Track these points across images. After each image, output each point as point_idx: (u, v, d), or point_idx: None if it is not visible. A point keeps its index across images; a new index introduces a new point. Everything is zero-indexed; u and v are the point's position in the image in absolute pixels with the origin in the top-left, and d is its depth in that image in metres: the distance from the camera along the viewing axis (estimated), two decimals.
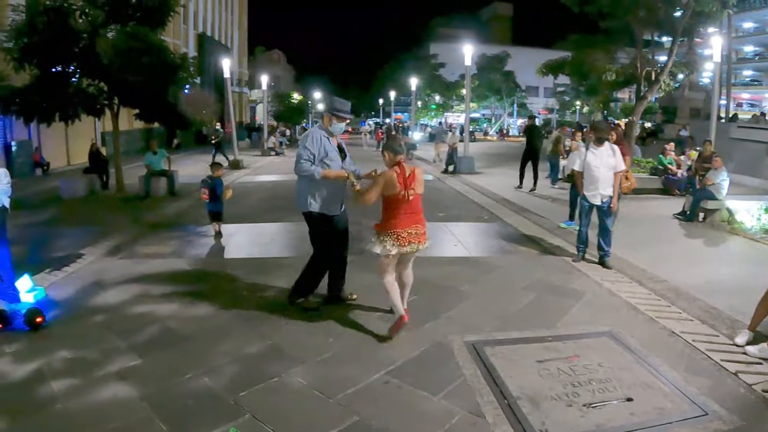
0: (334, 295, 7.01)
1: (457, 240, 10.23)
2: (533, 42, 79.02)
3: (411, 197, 6.03)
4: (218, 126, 27.67)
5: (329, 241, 6.69)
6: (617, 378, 4.93)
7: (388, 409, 4.50)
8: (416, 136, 37.54)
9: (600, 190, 8.49)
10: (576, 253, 8.97)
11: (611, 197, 8.53)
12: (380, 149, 32.73)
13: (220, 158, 25.07)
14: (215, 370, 5.21)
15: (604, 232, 8.57)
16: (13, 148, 21.55)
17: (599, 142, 8.56)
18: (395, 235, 5.92)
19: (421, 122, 56.53)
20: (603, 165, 8.45)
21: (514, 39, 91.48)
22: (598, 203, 8.54)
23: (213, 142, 27.72)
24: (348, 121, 6.88)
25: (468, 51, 22.45)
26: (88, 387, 4.98)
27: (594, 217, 8.74)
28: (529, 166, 17.37)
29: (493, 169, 21.81)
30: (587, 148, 8.68)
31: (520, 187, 17.42)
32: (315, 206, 6.46)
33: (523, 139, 19.23)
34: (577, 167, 8.82)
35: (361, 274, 7.78)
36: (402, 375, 5.02)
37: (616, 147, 8.67)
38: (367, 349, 5.61)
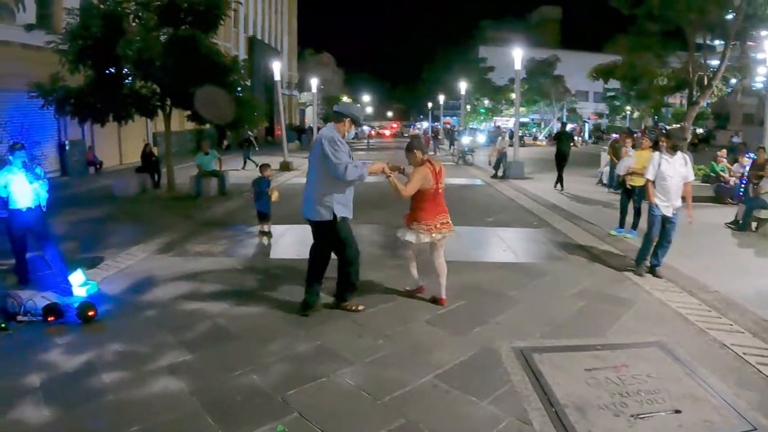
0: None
1: (506, 245, 10.12)
2: (582, 45, 77.92)
3: (441, 190, 6.78)
4: (249, 132, 27.60)
5: (352, 241, 6.63)
6: (666, 389, 4.80)
7: (435, 413, 4.45)
8: (465, 140, 37.17)
9: (672, 200, 8.14)
10: (637, 265, 8.47)
11: (681, 208, 8.16)
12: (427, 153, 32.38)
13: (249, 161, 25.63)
14: (264, 368, 5.24)
15: (665, 244, 8.23)
16: (67, 147, 22.12)
17: (673, 150, 8.25)
18: (427, 225, 6.66)
19: (470, 126, 56.10)
20: (676, 175, 8.13)
21: (562, 42, 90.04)
22: (669, 214, 8.16)
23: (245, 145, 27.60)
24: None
25: (518, 55, 22.26)
26: (138, 380, 5.07)
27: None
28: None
29: (542, 174, 21.52)
30: (660, 157, 8.28)
31: (556, 188, 18.17)
32: (343, 211, 6.37)
33: (572, 144, 19.40)
34: (650, 176, 8.33)
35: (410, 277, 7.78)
36: (450, 379, 4.97)
37: (688, 156, 8.36)
38: (415, 352, 5.57)
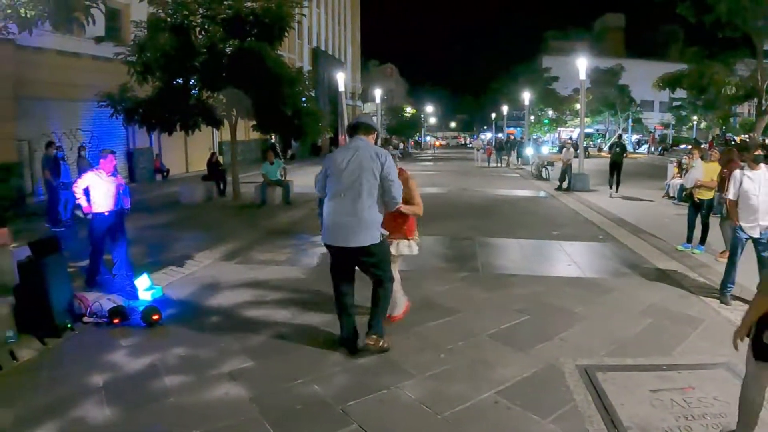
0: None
1: (571, 260, 9.88)
2: (647, 54, 76.08)
3: None
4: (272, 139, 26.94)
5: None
6: (733, 413, 4.49)
7: (495, 430, 4.34)
8: (528, 151, 36.70)
9: (760, 220, 7.36)
10: (721, 293, 7.60)
11: None
12: (490, 164, 32.03)
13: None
14: (325, 378, 5.21)
15: (760, 265, 7.39)
16: (135, 155, 22.81)
17: (755, 162, 7.43)
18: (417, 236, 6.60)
19: (534, 137, 55.33)
20: (763, 191, 7.28)
21: (626, 51, 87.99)
22: (757, 235, 7.42)
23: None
24: None
25: (582, 64, 21.85)
26: (199, 384, 5.12)
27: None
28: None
29: (607, 187, 21.05)
30: (742, 174, 7.49)
31: (611, 192, 19.20)
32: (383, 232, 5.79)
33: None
34: (731, 196, 7.55)
35: (474, 290, 7.80)
36: (512, 396, 4.83)
37: None
38: (478, 367, 5.44)
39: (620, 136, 24.84)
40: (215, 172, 19.51)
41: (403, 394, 4.89)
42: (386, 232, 5.80)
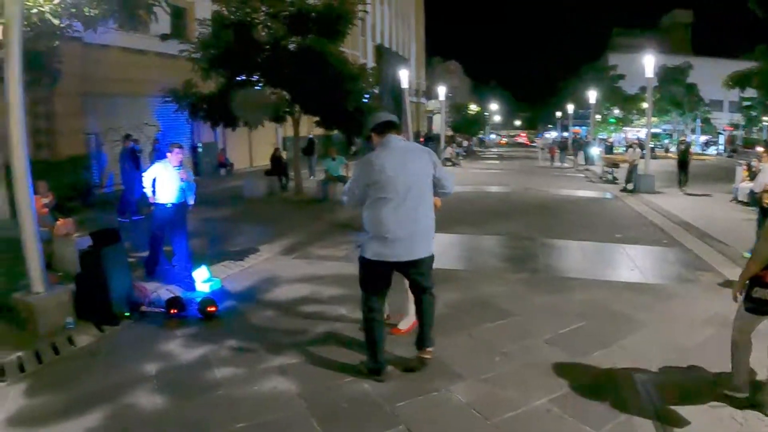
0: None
1: (634, 264, 9.55)
2: (715, 51, 73.09)
3: None
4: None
5: None
6: None
7: None
8: (594, 151, 35.78)
9: None
10: None
11: None
12: (554, 164, 31.42)
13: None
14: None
15: None
16: (200, 149, 23.28)
17: None
18: None
19: (599, 136, 53.98)
20: None
21: (694, 48, 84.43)
22: None
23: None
24: None
25: (649, 62, 21.07)
26: (249, 377, 5.15)
27: None
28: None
29: (674, 189, 20.35)
30: None
31: (680, 189, 20.38)
32: None
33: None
34: None
35: (532, 292, 7.64)
36: (565, 404, 4.65)
37: None
38: (532, 372, 5.28)
39: (685, 137, 24.67)
40: (278, 167, 19.74)
41: (454, 396, 4.78)
42: None
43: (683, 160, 21.51)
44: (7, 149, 6.28)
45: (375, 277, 5.16)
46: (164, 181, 8.31)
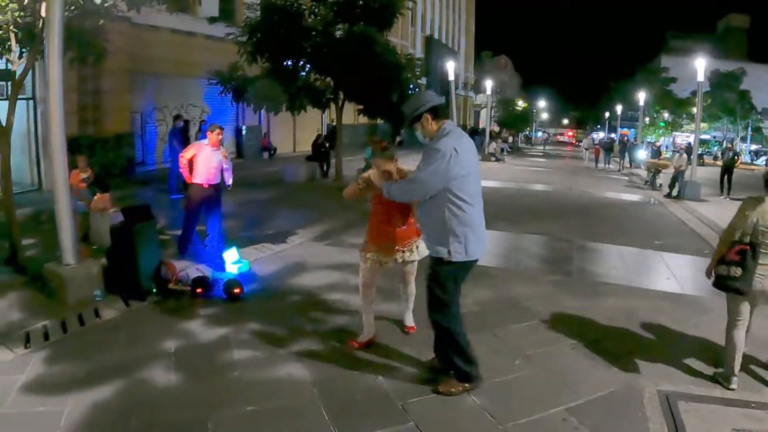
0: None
1: (671, 273, 9.28)
2: None
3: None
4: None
5: None
6: None
7: None
8: (641, 154, 34.88)
9: None
10: None
11: None
12: (598, 165, 30.60)
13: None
14: (391, 371, 5.10)
15: None
16: (244, 132, 23.49)
17: None
18: None
19: (648, 140, 52.69)
20: None
21: (749, 54, 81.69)
22: None
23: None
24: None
25: (700, 65, 20.41)
26: (265, 361, 5.17)
27: None
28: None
29: (720, 198, 19.81)
30: None
31: (720, 195, 20.69)
32: None
33: (754, 167, 18.68)
34: None
35: (563, 295, 7.57)
36: (582, 415, 4.51)
37: None
38: (552, 378, 5.16)
39: (736, 153, 25.26)
40: (319, 153, 19.77)
41: (468, 398, 4.70)
42: None
43: (728, 167, 21.46)
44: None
45: (459, 283, 4.77)
46: (201, 162, 8.37)
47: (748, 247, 4.97)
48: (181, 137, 14.39)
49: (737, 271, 4.98)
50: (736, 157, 22.52)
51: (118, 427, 4.08)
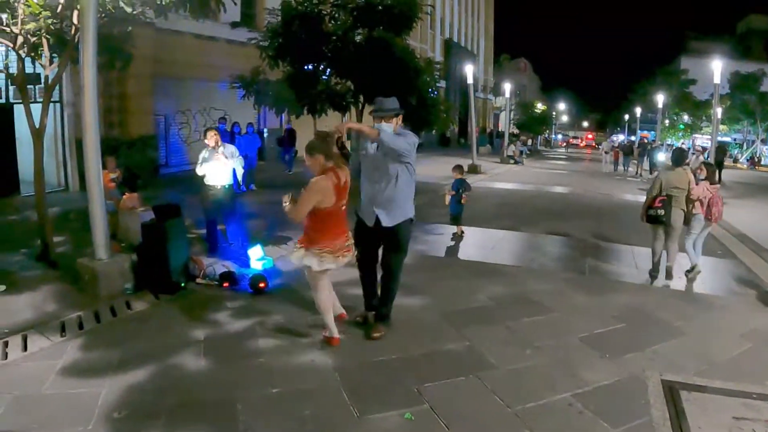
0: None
1: (682, 272, 9.45)
2: None
3: (344, 208, 5.53)
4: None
5: None
6: None
7: (560, 431, 4.34)
8: (661, 157, 34.45)
9: None
10: None
11: None
12: (617, 169, 30.39)
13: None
14: (409, 359, 5.39)
15: None
16: (265, 135, 23.84)
17: None
18: (331, 250, 5.36)
19: (667, 142, 52.21)
20: None
21: None
22: None
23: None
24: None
25: (717, 67, 20.35)
26: (290, 349, 5.49)
27: None
28: None
29: (737, 200, 19.79)
30: None
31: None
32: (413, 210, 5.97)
33: None
34: None
35: (575, 292, 7.78)
36: (587, 400, 4.76)
37: None
38: (560, 367, 5.40)
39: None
40: (340, 155, 19.93)
41: (480, 383, 4.97)
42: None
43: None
44: (80, 127, 6.75)
45: None
46: (211, 164, 8.69)
47: (665, 198, 8.58)
48: (228, 139, 14.81)
49: (662, 212, 8.62)
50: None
51: (153, 406, 4.38)
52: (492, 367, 5.30)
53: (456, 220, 11.22)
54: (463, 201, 11.06)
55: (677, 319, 6.96)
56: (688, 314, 7.19)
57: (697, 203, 8.85)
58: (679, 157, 9.23)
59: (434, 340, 5.86)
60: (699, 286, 8.70)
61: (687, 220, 8.85)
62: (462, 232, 11.23)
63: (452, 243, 10.83)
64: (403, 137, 5.64)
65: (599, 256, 10.24)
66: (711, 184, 9.19)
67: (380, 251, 6.02)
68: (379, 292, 6.12)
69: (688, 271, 8.99)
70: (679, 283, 8.81)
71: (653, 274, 8.92)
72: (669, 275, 8.82)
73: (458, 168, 11.56)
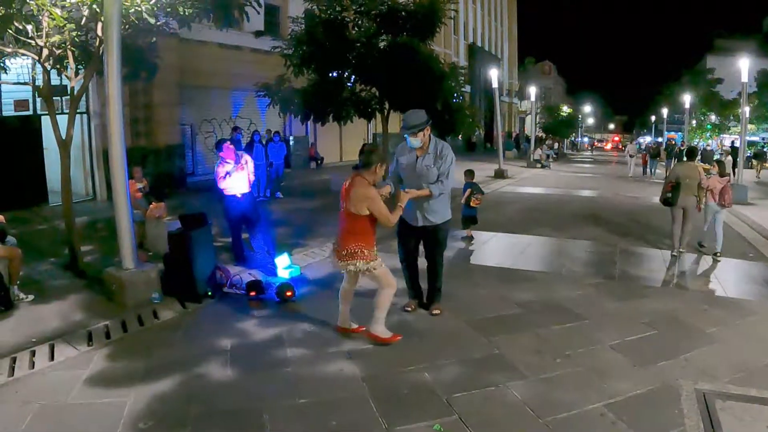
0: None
1: (714, 276, 9.27)
2: None
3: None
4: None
5: None
6: None
7: None
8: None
9: None
10: None
11: None
12: (645, 174, 29.82)
13: None
14: (437, 368, 5.32)
15: None
16: (291, 142, 23.94)
17: None
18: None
19: (695, 142, 51.32)
20: None
21: None
22: None
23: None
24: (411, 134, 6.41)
25: (744, 65, 19.93)
26: (318, 359, 5.45)
27: None
28: None
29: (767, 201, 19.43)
30: None
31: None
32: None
33: None
34: None
35: (605, 298, 7.68)
36: (620, 410, 4.64)
37: None
38: (591, 376, 5.29)
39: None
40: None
41: (510, 393, 4.88)
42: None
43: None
44: (106, 137, 6.79)
45: None
46: (232, 175, 8.69)
47: (675, 183, 10.16)
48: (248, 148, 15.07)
49: (669, 195, 10.21)
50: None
51: (178, 416, 4.37)
52: (522, 377, 5.20)
53: (467, 222, 11.27)
54: (473, 203, 11.26)
55: (710, 325, 6.79)
56: (721, 320, 7.00)
57: (708, 193, 10.53)
58: (691, 153, 11.39)
59: (463, 349, 5.78)
60: (732, 291, 8.49)
61: (700, 207, 10.49)
62: (471, 236, 11.26)
63: (477, 249, 10.73)
64: (442, 160, 6.38)
65: (629, 261, 10.05)
66: (721, 176, 10.81)
67: (420, 248, 6.97)
68: (422, 284, 7.07)
69: (701, 245, 11.17)
70: (712, 285, 8.67)
71: (673, 253, 10.39)
72: (683, 245, 10.53)
73: (469, 173, 12.00)
